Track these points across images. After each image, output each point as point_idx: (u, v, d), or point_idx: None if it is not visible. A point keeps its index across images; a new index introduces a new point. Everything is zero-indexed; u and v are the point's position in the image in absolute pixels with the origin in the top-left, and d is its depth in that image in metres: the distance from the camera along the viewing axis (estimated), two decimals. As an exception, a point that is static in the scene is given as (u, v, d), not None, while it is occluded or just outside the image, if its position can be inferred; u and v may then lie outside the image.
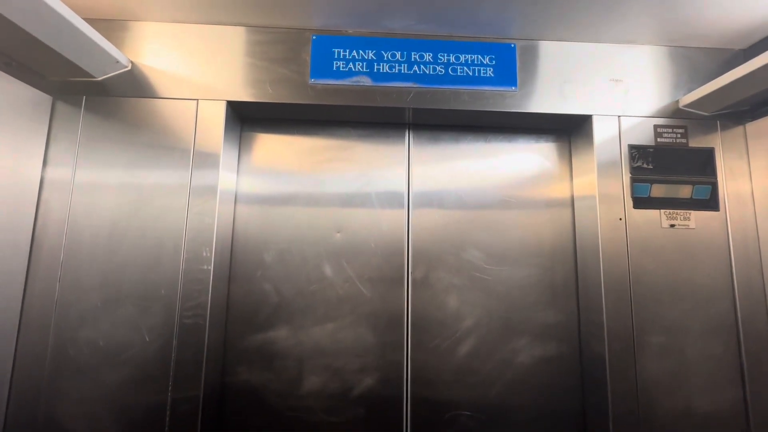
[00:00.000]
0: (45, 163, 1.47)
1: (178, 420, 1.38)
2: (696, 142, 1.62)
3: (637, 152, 1.60)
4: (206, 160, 1.51)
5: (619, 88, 1.64)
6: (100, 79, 1.52)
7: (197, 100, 1.54)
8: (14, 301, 1.38)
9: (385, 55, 1.60)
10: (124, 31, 1.56)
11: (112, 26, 1.56)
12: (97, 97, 1.52)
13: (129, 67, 1.54)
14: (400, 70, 1.60)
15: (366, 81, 1.59)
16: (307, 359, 1.62)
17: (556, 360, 1.67)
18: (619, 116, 1.62)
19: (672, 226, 1.56)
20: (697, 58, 1.68)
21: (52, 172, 1.47)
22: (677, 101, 1.64)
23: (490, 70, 1.62)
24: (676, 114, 1.64)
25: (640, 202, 1.57)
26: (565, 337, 1.69)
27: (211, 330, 1.45)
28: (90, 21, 1.38)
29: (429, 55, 1.61)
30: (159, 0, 1.46)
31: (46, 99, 1.48)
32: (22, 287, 1.40)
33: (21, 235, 1.40)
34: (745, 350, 1.51)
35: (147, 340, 1.41)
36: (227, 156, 1.58)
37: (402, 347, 1.64)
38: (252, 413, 1.58)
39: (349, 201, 1.72)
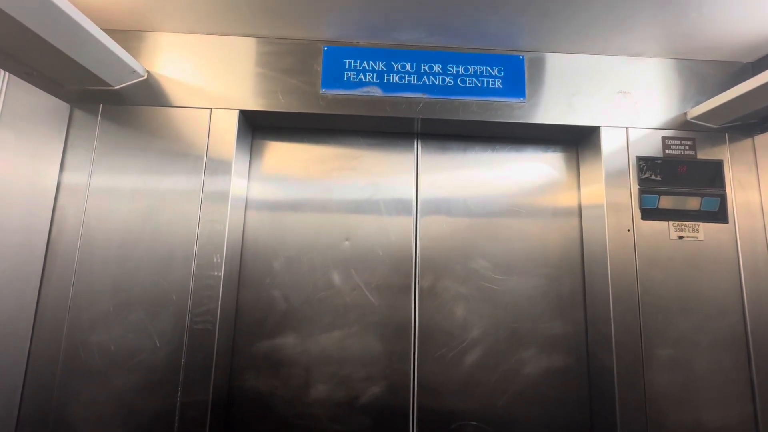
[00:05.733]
0: (62, 169, 1.50)
1: (187, 424, 1.39)
2: (704, 155, 1.62)
3: (645, 164, 1.60)
4: (218, 167, 1.53)
5: (627, 100, 1.65)
6: (116, 88, 1.56)
7: (210, 109, 1.57)
8: (29, 305, 1.40)
9: (396, 66, 1.63)
10: (141, 42, 1.60)
11: (129, 37, 1.60)
12: (113, 105, 1.55)
13: (145, 77, 1.57)
14: (409, 81, 1.62)
15: (376, 91, 1.61)
16: (314, 367, 1.62)
17: (564, 371, 1.66)
18: (627, 128, 1.63)
19: (681, 237, 1.56)
20: (705, 71, 1.69)
21: (68, 178, 1.50)
22: (685, 113, 1.65)
23: (498, 81, 1.64)
24: (684, 126, 1.64)
25: (649, 213, 1.57)
26: (572, 349, 1.68)
27: (220, 336, 1.46)
28: (108, 31, 1.42)
29: (438, 66, 1.63)
30: (174, 11, 1.50)
31: (64, 107, 1.52)
32: (37, 291, 1.42)
33: (37, 240, 1.42)
34: (755, 364, 1.49)
35: (157, 345, 1.42)
36: (239, 164, 1.61)
37: (409, 356, 1.64)
38: (259, 419, 1.59)
39: (358, 208, 1.73)
